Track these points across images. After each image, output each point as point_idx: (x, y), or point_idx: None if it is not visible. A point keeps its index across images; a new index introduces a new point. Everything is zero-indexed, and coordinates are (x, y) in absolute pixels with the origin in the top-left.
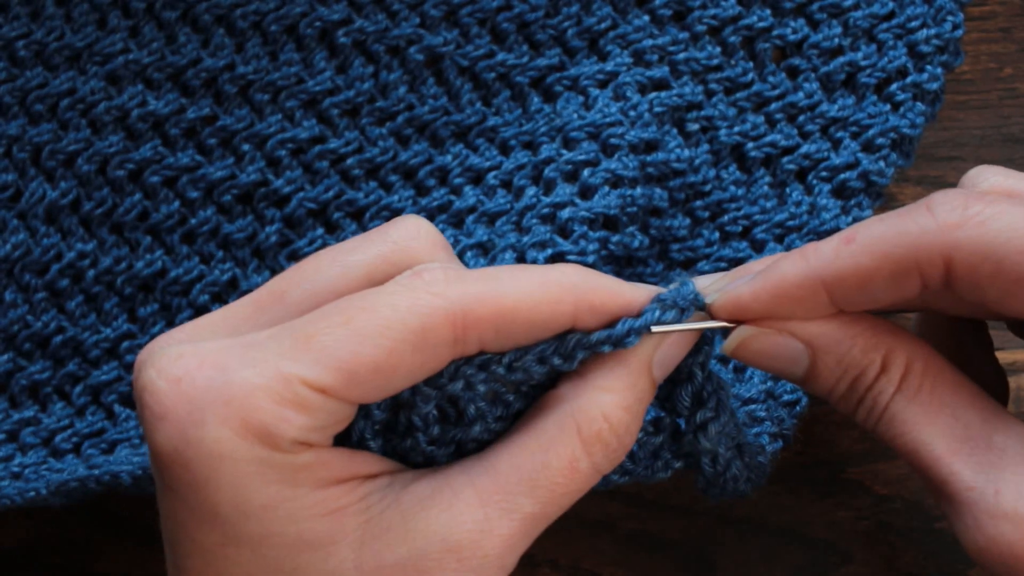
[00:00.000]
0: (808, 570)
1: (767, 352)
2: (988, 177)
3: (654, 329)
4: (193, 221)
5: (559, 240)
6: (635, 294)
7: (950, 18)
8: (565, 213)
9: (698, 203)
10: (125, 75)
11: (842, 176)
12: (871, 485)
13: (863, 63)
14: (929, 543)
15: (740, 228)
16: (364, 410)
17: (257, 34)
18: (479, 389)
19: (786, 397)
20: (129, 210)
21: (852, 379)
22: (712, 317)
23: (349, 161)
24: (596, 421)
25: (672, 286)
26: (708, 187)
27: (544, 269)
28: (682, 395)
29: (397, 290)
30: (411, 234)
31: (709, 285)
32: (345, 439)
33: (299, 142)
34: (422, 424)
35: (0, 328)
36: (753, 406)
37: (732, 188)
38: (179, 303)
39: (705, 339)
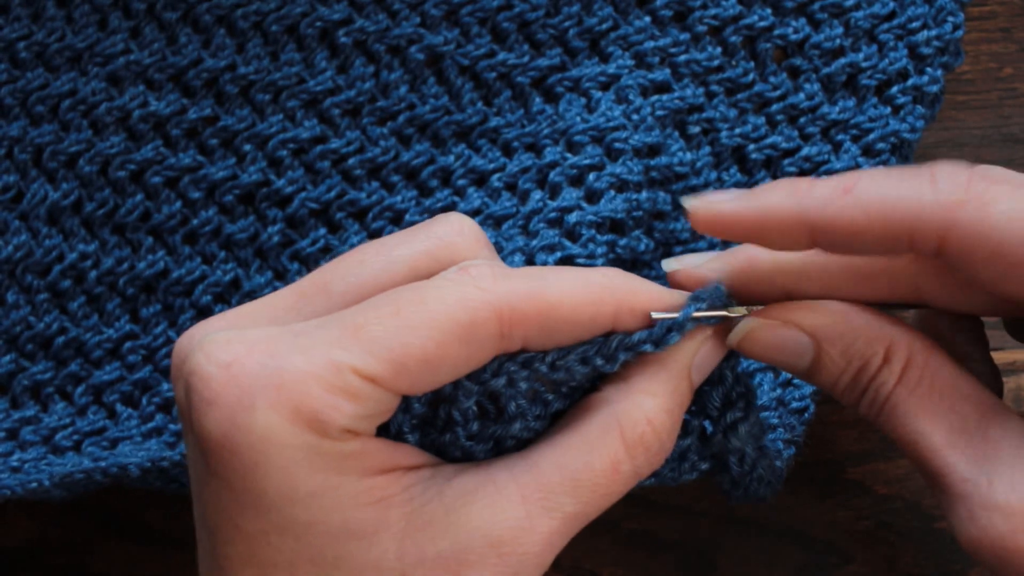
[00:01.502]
0: (808, 570)
1: (772, 345)
2: None
3: (695, 314)
4: (195, 222)
5: (567, 244)
6: (673, 298)
7: (951, 19)
8: (572, 217)
9: None
10: (126, 76)
11: None
12: (871, 485)
13: (864, 64)
14: (929, 543)
15: None
16: (404, 403)
17: (258, 34)
18: (521, 387)
19: (795, 404)
20: (131, 211)
21: (856, 371)
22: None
23: (351, 161)
24: (640, 424)
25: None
26: (710, 190)
27: (587, 271)
28: (712, 396)
29: (445, 284)
30: (455, 230)
31: (705, 262)
32: (383, 431)
33: (300, 142)
34: (462, 419)
35: (2, 330)
36: (766, 413)
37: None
38: (181, 304)
39: None
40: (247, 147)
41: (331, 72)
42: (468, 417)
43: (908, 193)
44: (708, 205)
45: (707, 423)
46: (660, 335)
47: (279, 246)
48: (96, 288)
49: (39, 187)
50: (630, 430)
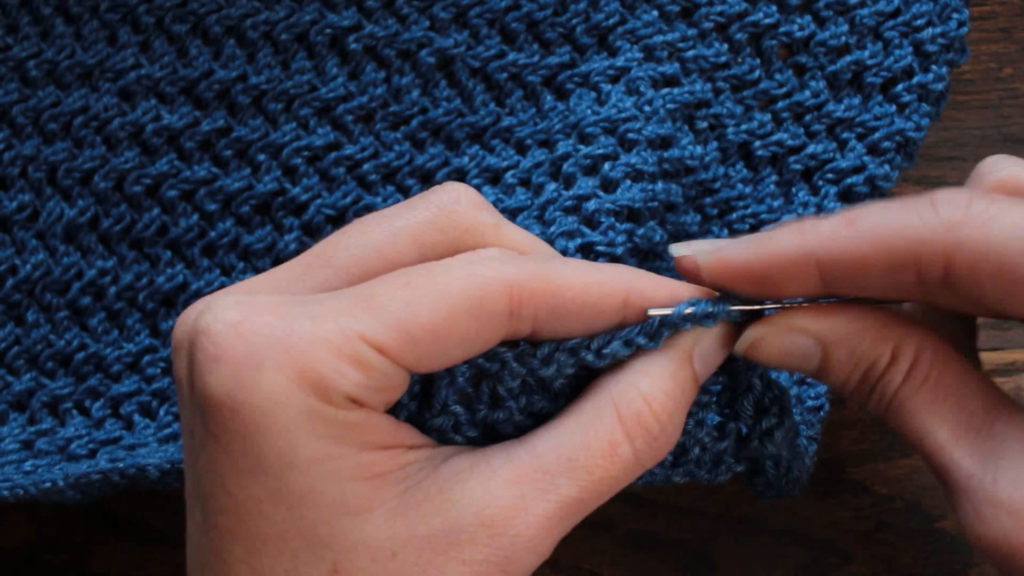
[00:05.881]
0: (808, 570)
1: (780, 351)
2: (1005, 167)
3: (731, 308)
4: (212, 234)
5: (586, 231)
6: (684, 286)
7: (955, 16)
8: (591, 205)
9: (707, 200)
10: (138, 90)
11: (849, 180)
12: (871, 485)
13: (869, 62)
14: (929, 543)
15: (748, 227)
16: (449, 378)
17: (268, 44)
18: (567, 372)
19: (810, 403)
20: (148, 225)
21: (864, 371)
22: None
23: (365, 167)
24: (635, 401)
25: None
26: (717, 184)
27: (597, 263)
28: (744, 404)
29: (456, 262)
30: (453, 198)
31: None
32: (426, 406)
33: (314, 149)
34: (508, 395)
35: (23, 349)
36: None
37: (740, 186)
38: None
39: None
40: (261, 157)
41: (342, 79)
42: (514, 393)
43: (910, 219)
44: (717, 258)
45: (743, 426)
46: (701, 314)
47: (297, 254)
48: (116, 304)
49: (55, 205)
50: (626, 407)
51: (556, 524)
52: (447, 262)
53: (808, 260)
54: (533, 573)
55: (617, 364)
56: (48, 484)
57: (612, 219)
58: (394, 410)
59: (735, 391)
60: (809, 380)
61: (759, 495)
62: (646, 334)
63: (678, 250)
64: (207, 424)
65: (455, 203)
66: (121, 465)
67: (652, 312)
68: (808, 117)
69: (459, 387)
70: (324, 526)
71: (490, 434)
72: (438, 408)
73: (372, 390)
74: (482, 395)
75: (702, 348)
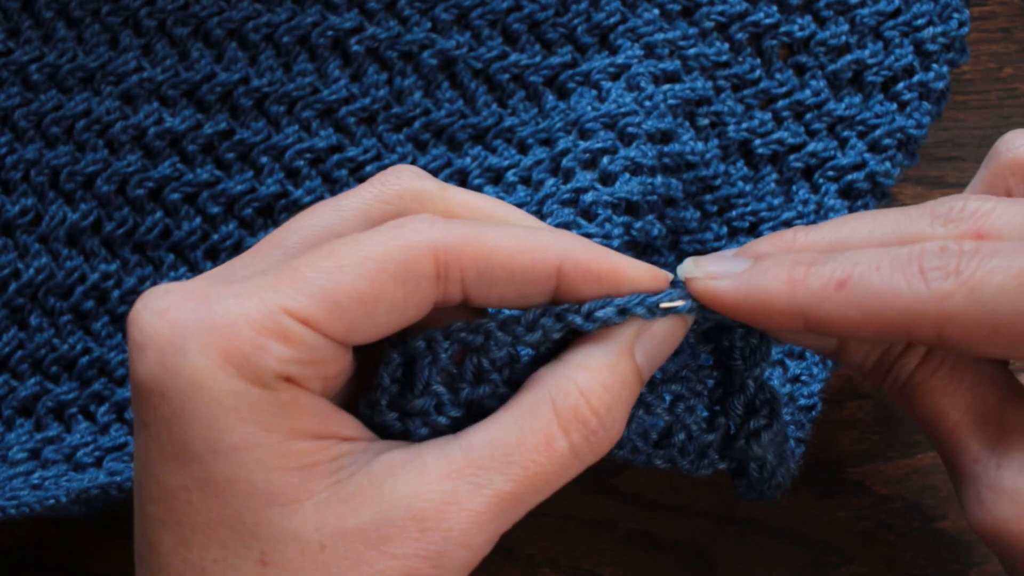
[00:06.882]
0: (808, 570)
1: None
2: (1023, 144)
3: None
4: (215, 236)
5: (583, 222)
6: (629, 261)
7: (956, 15)
8: (588, 197)
9: (707, 197)
10: (140, 94)
11: (849, 177)
12: (871, 485)
13: (870, 61)
14: (929, 543)
15: (747, 224)
16: (431, 355)
17: (270, 46)
18: (554, 337)
19: (803, 401)
20: (151, 228)
21: (881, 353)
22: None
23: (368, 169)
24: (571, 395)
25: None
26: (717, 181)
27: (534, 228)
28: (735, 403)
29: (381, 228)
30: (395, 173)
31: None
32: (408, 388)
33: (317, 152)
34: (491, 367)
35: (27, 353)
36: None
37: (740, 184)
38: None
39: (762, 353)
40: (264, 159)
41: (345, 81)
42: (499, 364)
43: (901, 289)
44: (706, 286)
45: (732, 424)
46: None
47: None
48: (119, 308)
49: (57, 209)
50: (561, 401)
51: (490, 520)
52: (373, 230)
53: (796, 314)
54: (527, 572)
55: (555, 357)
56: (52, 501)
57: (609, 211)
58: (375, 393)
59: (728, 389)
60: (804, 378)
61: (740, 496)
62: (644, 305)
63: (688, 271)
64: (138, 412)
65: (397, 176)
66: (119, 479)
67: (664, 305)
68: (808, 116)
69: (442, 365)
70: (251, 516)
71: (476, 413)
72: (420, 388)
73: (302, 364)
74: (466, 373)
75: (645, 341)
